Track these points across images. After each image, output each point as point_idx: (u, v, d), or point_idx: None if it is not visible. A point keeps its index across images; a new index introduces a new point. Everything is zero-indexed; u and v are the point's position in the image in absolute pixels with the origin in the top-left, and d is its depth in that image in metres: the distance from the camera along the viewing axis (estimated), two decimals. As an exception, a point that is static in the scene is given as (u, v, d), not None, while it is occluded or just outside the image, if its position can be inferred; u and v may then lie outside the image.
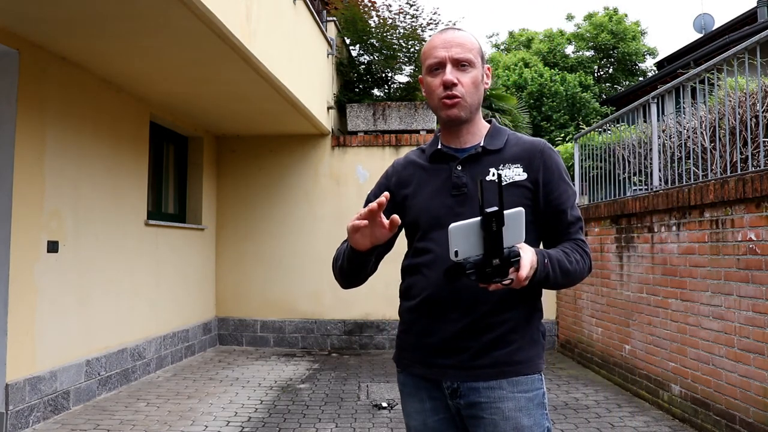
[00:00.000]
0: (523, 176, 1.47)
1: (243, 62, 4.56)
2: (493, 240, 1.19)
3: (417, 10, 8.31)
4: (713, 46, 10.37)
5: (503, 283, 1.23)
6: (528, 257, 1.26)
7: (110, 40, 4.11)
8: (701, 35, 14.24)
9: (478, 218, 1.20)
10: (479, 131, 1.55)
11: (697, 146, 4.53)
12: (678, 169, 4.87)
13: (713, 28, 14.17)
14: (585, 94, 15.33)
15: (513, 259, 1.23)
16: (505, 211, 1.20)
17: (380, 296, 7.24)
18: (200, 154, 7.19)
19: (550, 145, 1.55)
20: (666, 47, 43.71)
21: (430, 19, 8.38)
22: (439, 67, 1.48)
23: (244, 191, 7.51)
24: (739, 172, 3.90)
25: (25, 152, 4.08)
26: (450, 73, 1.45)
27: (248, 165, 7.53)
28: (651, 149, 5.24)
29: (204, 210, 7.17)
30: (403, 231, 1.64)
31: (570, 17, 22.09)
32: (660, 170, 5.18)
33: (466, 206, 1.45)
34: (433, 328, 1.45)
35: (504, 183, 1.43)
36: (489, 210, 1.18)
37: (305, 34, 6.30)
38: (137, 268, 5.60)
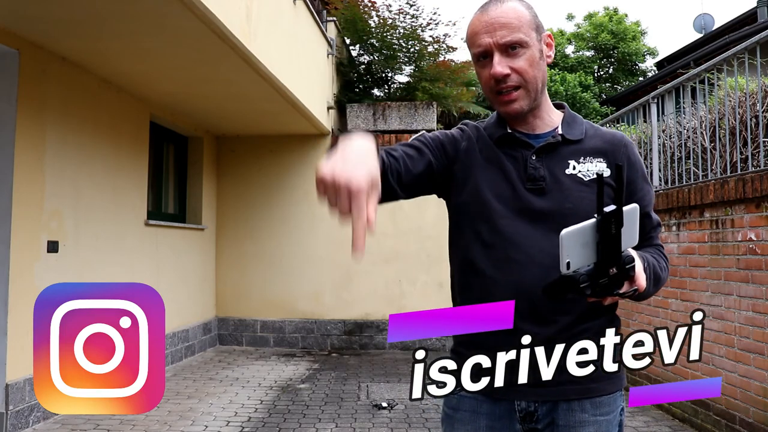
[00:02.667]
0: (607, 172, 1.30)
1: (243, 62, 4.56)
2: (611, 245, 1.02)
3: (417, 10, 8.31)
4: (713, 46, 10.36)
5: (625, 295, 1.08)
6: (639, 262, 1.10)
7: (110, 40, 4.11)
8: (701, 35, 14.23)
9: (592, 221, 1.03)
10: (549, 116, 1.35)
11: (697, 146, 4.53)
12: (678, 169, 4.86)
13: (713, 28, 14.15)
14: (585, 94, 15.33)
15: (628, 265, 1.06)
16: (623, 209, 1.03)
17: (380, 296, 7.24)
18: (200, 154, 7.19)
19: (630, 139, 1.37)
20: (666, 47, 43.72)
21: (430, 19, 8.38)
22: (486, 55, 1.26)
23: (244, 191, 7.51)
24: (739, 172, 3.90)
25: (25, 152, 4.08)
26: (499, 64, 1.24)
27: (248, 165, 7.53)
28: (651, 149, 5.24)
29: (204, 210, 7.17)
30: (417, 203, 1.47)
31: (570, 17, 22.07)
32: (660, 170, 5.17)
33: (544, 201, 1.27)
34: (506, 342, 1.16)
35: (588, 179, 1.27)
36: (608, 210, 1.00)
37: (305, 34, 6.30)
38: (137, 268, 5.59)
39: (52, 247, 4.34)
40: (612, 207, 1.01)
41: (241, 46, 4.20)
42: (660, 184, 5.11)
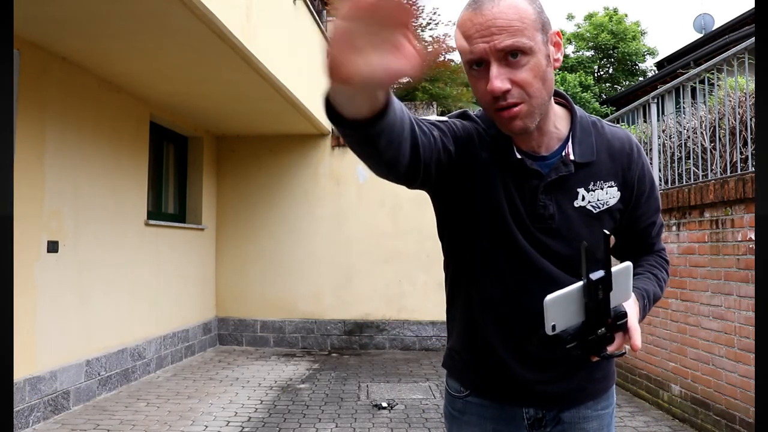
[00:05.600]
0: (617, 196, 1.19)
1: (243, 62, 4.56)
2: (598, 308, 0.99)
3: (417, 10, 8.32)
4: (713, 46, 10.37)
5: (613, 356, 1.04)
6: (634, 317, 1.04)
7: (110, 40, 4.11)
8: (701, 35, 14.24)
9: (578, 284, 0.99)
10: (555, 128, 1.18)
11: (697, 146, 4.53)
12: (678, 169, 4.86)
13: (713, 28, 14.16)
14: (585, 94, 15.35)
15: (619, 321, 1.02)
16: (613, 270, 0.98)
17: (380, 296, 7.24)
18: (200, 154, 7.19)
19: (636, 140, 1.25)
20: (666, 47, 43.70)
21: (430, 19, 8.40)
22: (481, 63, 1.04)
23: (244, 191, 7.51)
24: (739, 172, 3.90)
25: (25, 152, 4.08)
26: (497, 77, 1.02)
27: (248, 165, 7.53)
28: (651, 149, 5.24)
29: (204, 210, 7.17)
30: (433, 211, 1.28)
31: (570, 17, 22.07)
32: (660, 170, 5.17)
33: (553, 241, 1.17)
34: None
35: (597, 210, 1.19)
36: (595, 278, 0.97)
37: (305, 33, 6.30)
38: (137, 268, 5.60)
39: (52, 247, 4.34)
40: (600, 273, 0.96)
41: (240, 46, 4.20)
42: (660, 184, 5.11)
